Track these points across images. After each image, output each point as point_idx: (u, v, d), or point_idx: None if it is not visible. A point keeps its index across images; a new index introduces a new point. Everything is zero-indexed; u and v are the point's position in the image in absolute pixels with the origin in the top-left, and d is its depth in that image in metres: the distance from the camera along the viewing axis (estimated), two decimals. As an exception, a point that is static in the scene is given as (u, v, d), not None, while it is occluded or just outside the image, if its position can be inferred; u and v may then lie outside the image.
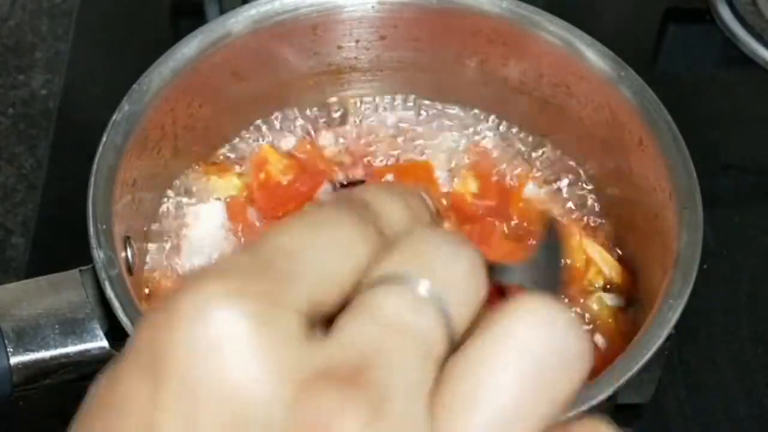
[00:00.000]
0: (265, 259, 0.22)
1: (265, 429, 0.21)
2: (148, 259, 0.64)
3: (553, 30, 0.65)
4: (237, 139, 0.70)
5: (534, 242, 0.38)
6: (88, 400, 0.23)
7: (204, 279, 0.22)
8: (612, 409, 0.62)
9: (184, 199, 0.67)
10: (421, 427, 0.21)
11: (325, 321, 0.23)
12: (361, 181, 0.68)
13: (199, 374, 0.21)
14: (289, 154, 0.69)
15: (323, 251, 0.23)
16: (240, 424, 0.21)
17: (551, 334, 0.21)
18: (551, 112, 0.68)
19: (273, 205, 0.67)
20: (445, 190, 0.68)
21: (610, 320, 0.62)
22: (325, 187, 0.67)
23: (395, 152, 0.70)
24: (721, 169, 0.78)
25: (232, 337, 0.21)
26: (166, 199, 0.66)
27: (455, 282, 0.22)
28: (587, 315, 0.62)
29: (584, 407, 0.50)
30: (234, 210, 0.66)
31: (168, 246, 0.65)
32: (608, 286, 0.64)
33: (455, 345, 0.22)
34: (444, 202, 0.67)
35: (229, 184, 0.68)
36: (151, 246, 0.64)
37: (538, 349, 0.21)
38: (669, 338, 0.53)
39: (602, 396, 0.51)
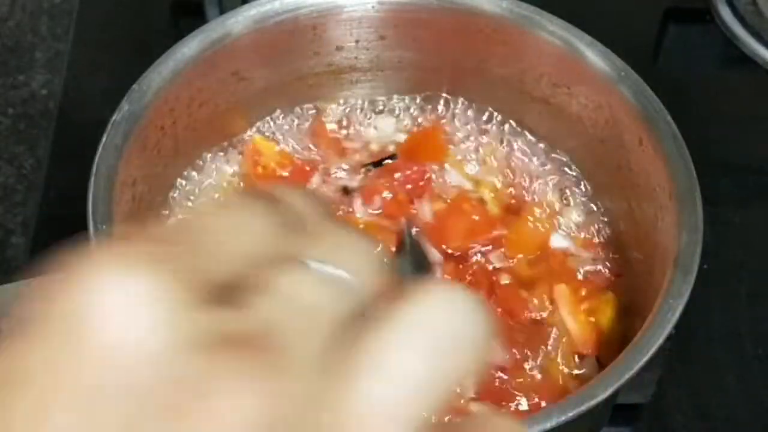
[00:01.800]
0: (169, 232, 0.24)
1: (160, 388, 0.21)
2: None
3: (553, 30, 0.65)
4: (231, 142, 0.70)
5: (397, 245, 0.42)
6: None
7: (100, 251, 0.23)
8: (612, 409, 0.62)
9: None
10: (316, 384, 0.22)
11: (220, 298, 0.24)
12: (393, 156, 0.68)
13: (92, 339, 0.21)
14: (282, 152, 0.69)
15: (225, 230, 0.24)
16: (136, 387, 0.21)
17: (451, 315, 0.23)
18: (551, 112, 0.68)
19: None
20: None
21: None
22: (316, 178, 0.68)
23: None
24: (721, 169, 0.78)
25: (123, 302, 0.22)
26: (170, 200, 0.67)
27: (354, 262, 0.24)
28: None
29: (584, 407, 0.50)
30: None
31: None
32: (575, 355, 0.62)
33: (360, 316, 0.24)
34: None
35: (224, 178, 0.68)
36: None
37: (437, 328, 0.23)
38: (669, 338, 0.53)
39: (602, 396, 0.51)
